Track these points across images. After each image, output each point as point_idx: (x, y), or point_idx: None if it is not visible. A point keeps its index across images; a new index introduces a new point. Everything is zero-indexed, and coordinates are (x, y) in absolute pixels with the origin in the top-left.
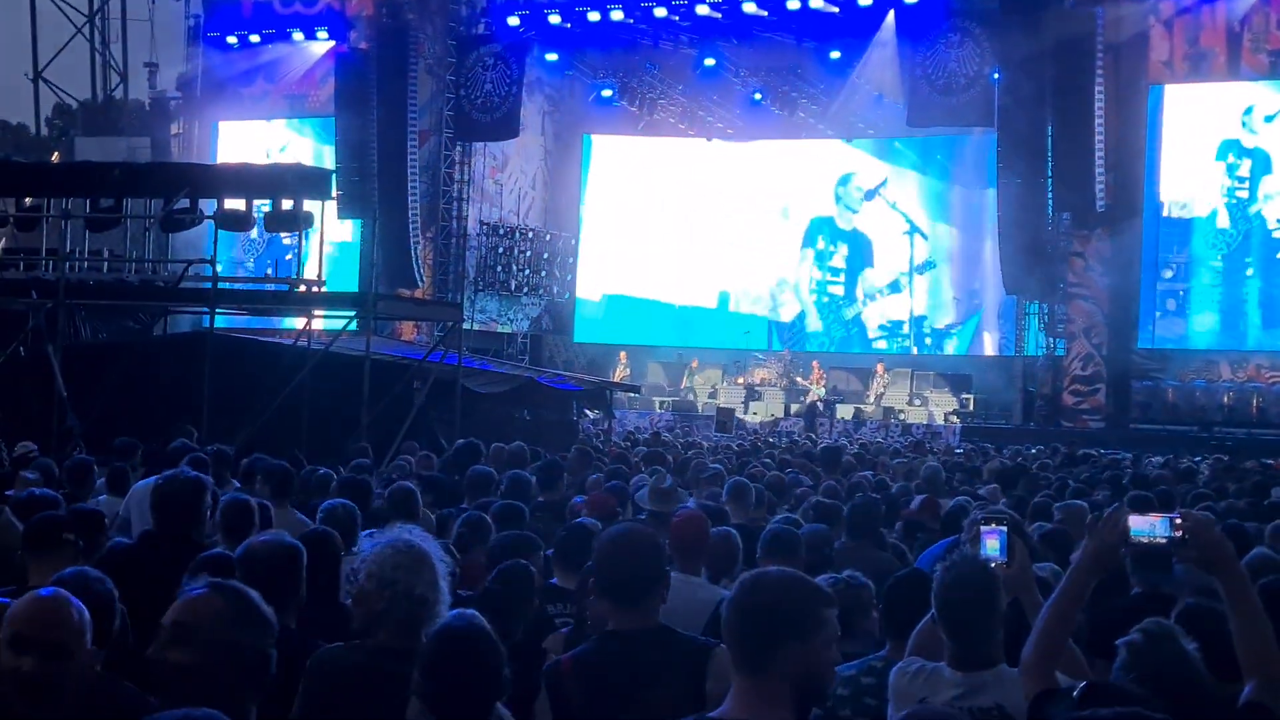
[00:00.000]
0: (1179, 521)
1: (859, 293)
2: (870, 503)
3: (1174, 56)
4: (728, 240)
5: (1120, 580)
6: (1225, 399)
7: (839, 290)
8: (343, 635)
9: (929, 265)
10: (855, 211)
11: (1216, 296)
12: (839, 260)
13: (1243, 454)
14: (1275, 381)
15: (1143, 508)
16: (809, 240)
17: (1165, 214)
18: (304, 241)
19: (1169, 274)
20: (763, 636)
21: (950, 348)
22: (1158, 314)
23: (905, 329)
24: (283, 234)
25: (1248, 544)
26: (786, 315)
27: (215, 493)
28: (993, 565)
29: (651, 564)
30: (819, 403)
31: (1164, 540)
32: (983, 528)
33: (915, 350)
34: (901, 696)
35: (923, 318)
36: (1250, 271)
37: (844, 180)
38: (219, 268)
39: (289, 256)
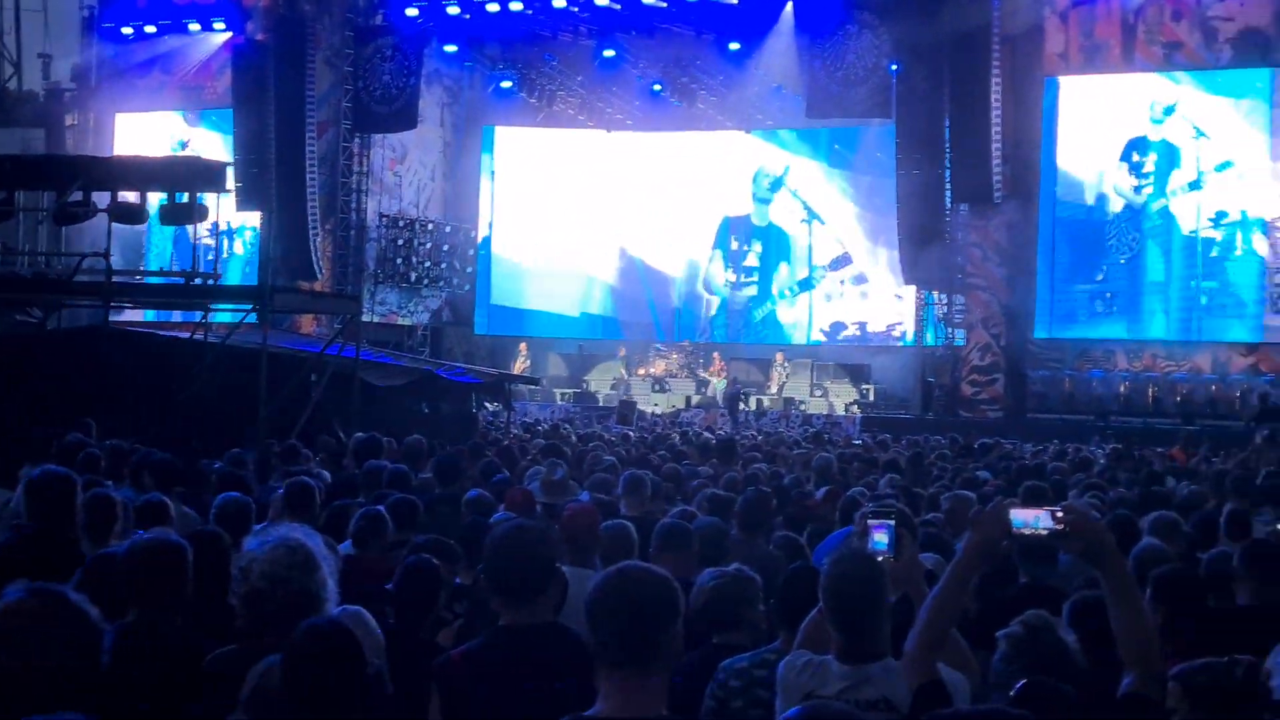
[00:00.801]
0: (1060, 514)
1: (774, 289)
2: (761, 495)
3: (1069, 48)
4: (632, 232)
5: (1009, 572)
6: (1122, 389)
7: (753, 290)
8: (231, 635)
9: (844, 261)
10: (768, 203)
11: (1114, 288)
12: (753, 259)
13: (1138, 443)
14: (1171, 371)
15: (1037, 498)
16: (721, 239)
17: (1064, 204)
18: (231, 239)
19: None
20: (644, 631)
21: (853, 336)
22: (1056, 304)
23: (815, 322)
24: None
25: (1137, 535)
26: (695, 308)
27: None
28: (880, 559)
29: (540, 560)
30: (741, 391)
31: (1046, 532)
32: (870, 521)
33: (825, 340)
34: (789, 689)
35: (832, 310)
36: (1147, 263)
37: (757, 177)
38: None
39: (211, 256)
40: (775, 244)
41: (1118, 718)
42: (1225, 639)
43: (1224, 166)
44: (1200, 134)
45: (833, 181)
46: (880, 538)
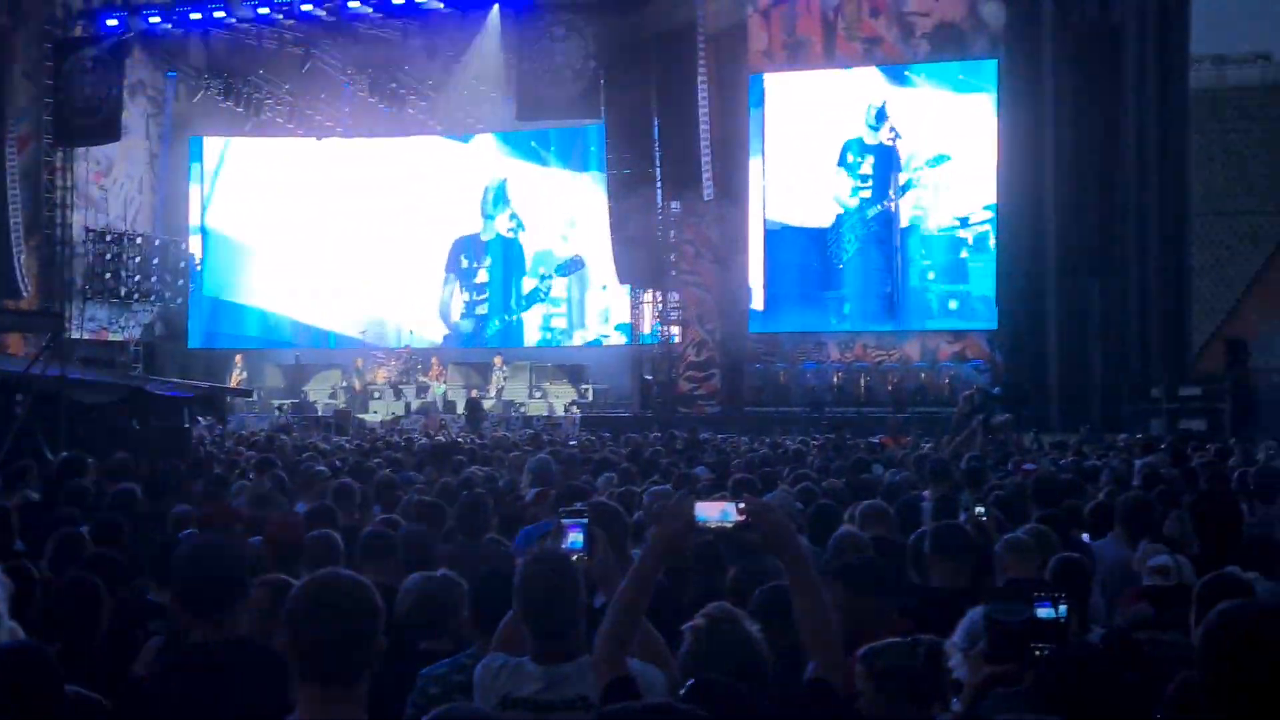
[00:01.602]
0: (742, 506)
1: (510, 302)
2: (475, 499)
3: (773, 45)
4: (351, 242)
5: (718, 564)
6: (835, 379)
7: (484, 309)
8: None
9: (575, 264)
10: (493, 218)
11: (823, 280)
12: (483, 275)
13: (851, 432)
14: (881, 360)
15: (747, 491)
16: (453, 262)
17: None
18: None
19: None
20: (341, 640)
21: (577, 339)
22: (766, 299)
23: (547, 326)
24: None
25: (838, 523)
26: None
27: None
28: (574, 558)
29: (229, 573)
30: (479, 399)
31: (730, 525)
32: (564, 520)
33: (548, 342)
34: (486, 692)
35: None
36: (856, 254)
37: (485, 190)
38: None
39: None
40: (505, 256)
41: (802, 704)
42: (915, 620)
43: (938, 161)
44: (917, 130)
45: (561, 182)
46: (575, 537)
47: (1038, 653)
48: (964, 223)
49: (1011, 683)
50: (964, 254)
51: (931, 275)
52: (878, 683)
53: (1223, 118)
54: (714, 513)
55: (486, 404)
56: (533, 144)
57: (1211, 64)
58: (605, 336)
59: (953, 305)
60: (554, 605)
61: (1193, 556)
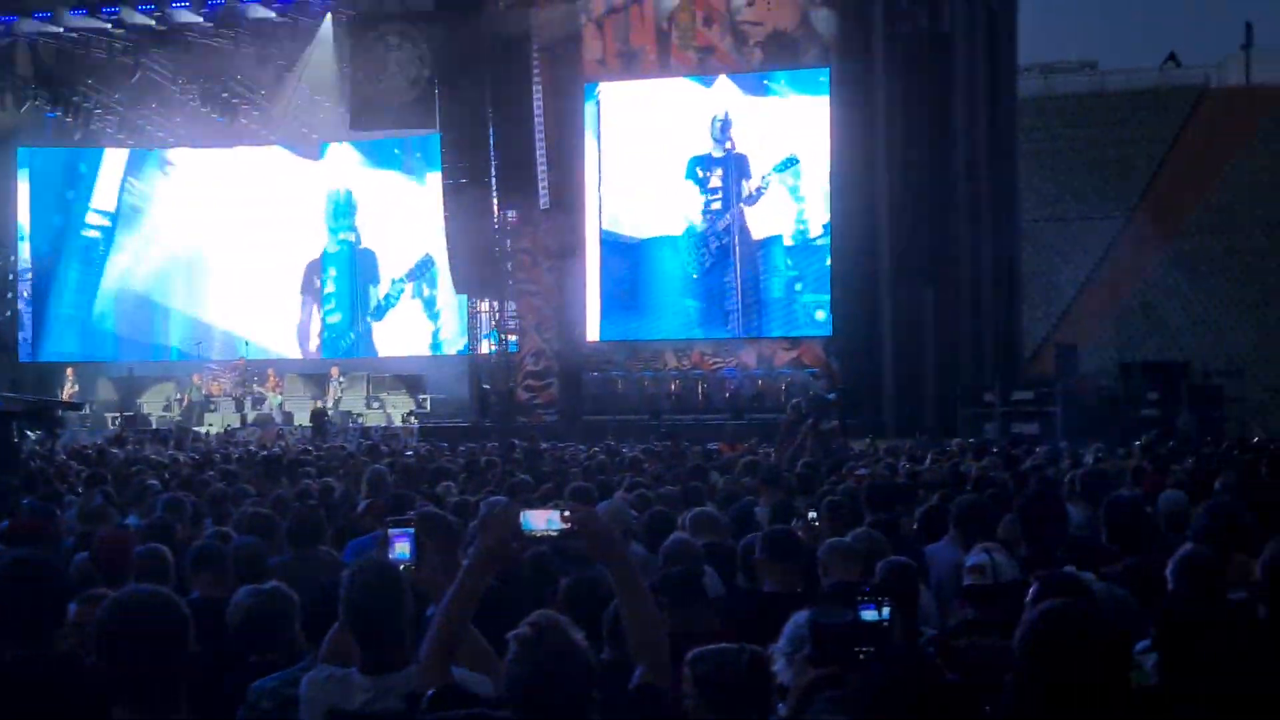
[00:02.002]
0: (567, 514)
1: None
2: (308, 511)
3: (607, 54)
4: (186, 253)
5: (549, 575)
6: (672, 387)
7: (336, 319)
8: None
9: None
10: (337, 231)
11: (662, 288)
12: (330, 285)
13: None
14: (717, 367)
15: (585, 498)
16: (307, 284)
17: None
18: None
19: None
20: (153, 657)
21: (410, 348)
22: (604, 307)
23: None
24: None
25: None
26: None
27: None
28: (402, 567)
29: (41, 591)
30: (324, 410)
31: (556, 533)
32: (391, 530)
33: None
34: (313, 704)
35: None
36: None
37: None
38: None
39: None
40: (355, 267)
41: (628, 709)
42: (746, 625)
43: (785, 165)
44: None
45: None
46: (402, 547)
47: (861, 655)
48: (828, 229)
49: (836, 686)
50: (829, 262)
51: (799, 286)
52: (700, 688)
53: (1051, 125)
54: (540, 521)
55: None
56: (397, 151)
57: (1040, 72)
58: (444, 344)
59: (820, 316)
60: (380, 615)
61: (1023, 558)
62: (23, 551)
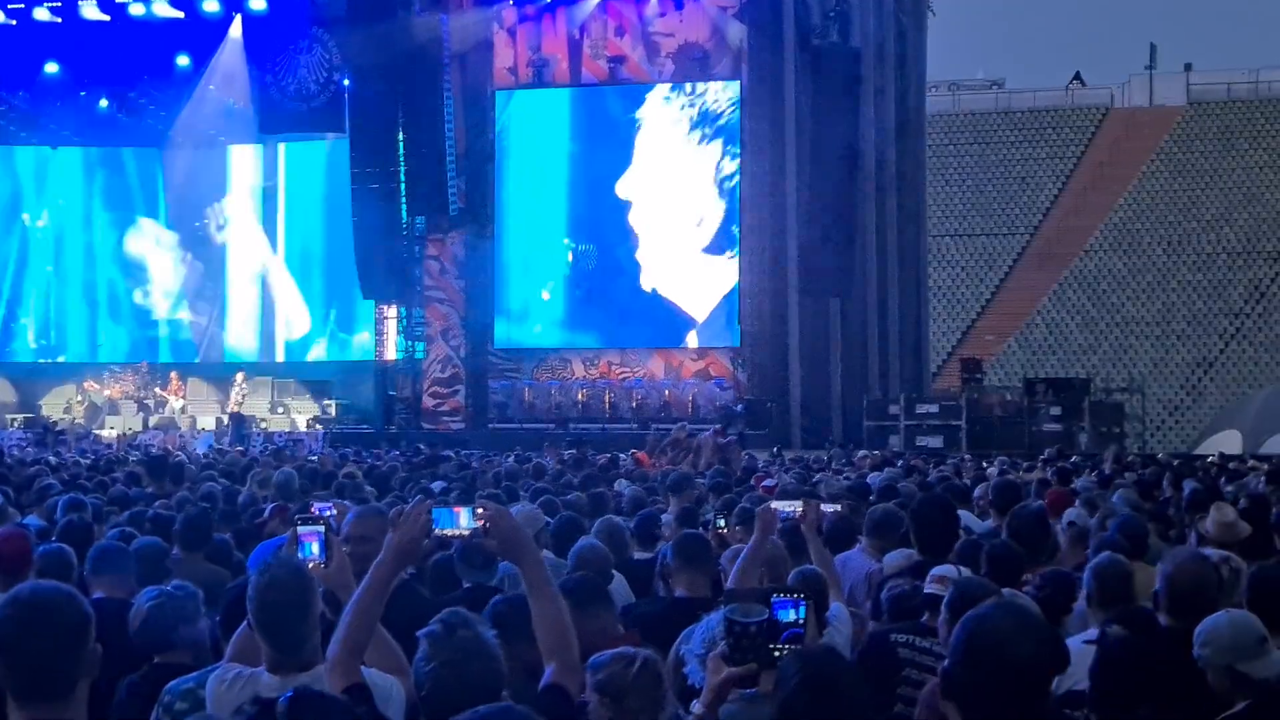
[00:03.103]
0: (480, 512)
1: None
2: (201, 513)
3: (518, 63)
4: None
5: (452, 579)
6: (580, 395)
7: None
8: None
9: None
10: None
11: (566, 298)
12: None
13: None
14: (625, 377)
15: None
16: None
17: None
18: None
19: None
20: (51, 658)
21: (316, 354)
22: (513, 315)
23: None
24: None
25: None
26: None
27: None
28: (310, 566)
29: None
30: (242, 413)
31: (468, 531)
32: (299, 529)
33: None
34: (220, 704)
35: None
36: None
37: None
38: None
39: None
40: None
41: (536, 710)
42: (652, 630)
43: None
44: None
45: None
46: (311, 545)
47: (777, 654)
48: (735, 240)
49: (751, 685)
50: (737, 274)
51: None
52: (599, 692)
53: (958, 142)
54: (452, 520)
55: (224, 420)
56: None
57: (948, 89)
58: (348, 349)
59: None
60: (288, 615)
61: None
62: None
